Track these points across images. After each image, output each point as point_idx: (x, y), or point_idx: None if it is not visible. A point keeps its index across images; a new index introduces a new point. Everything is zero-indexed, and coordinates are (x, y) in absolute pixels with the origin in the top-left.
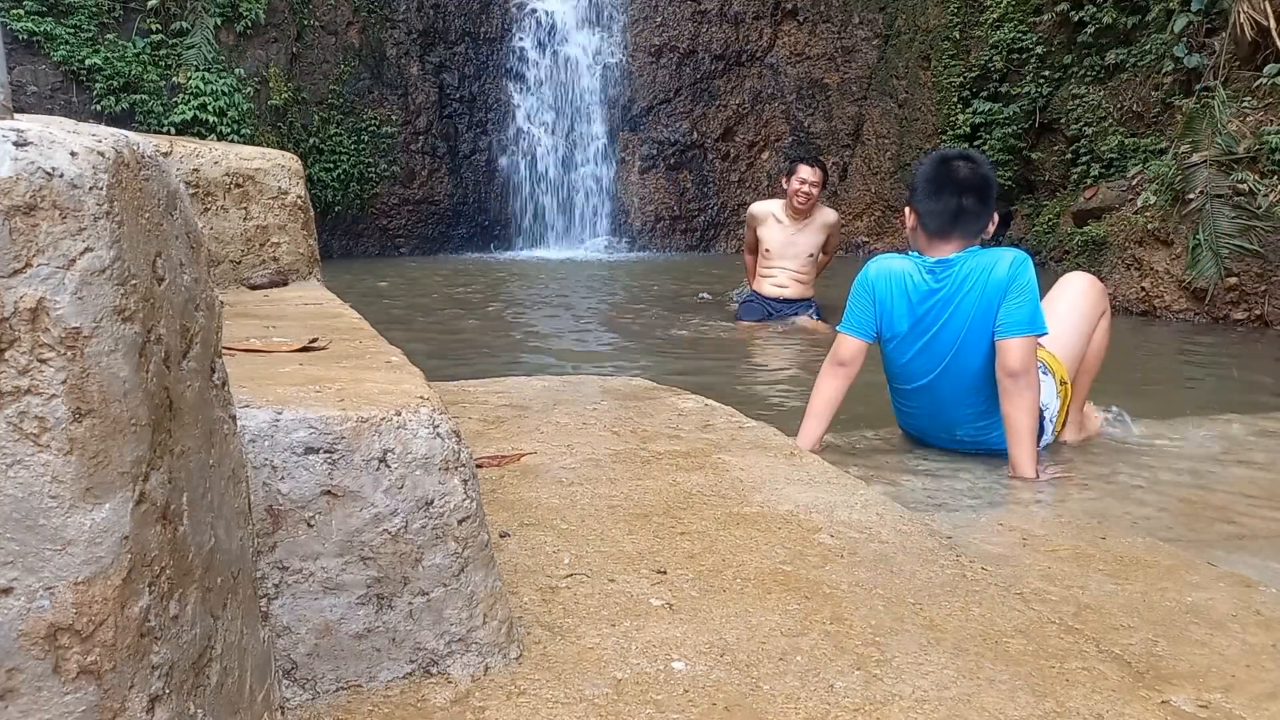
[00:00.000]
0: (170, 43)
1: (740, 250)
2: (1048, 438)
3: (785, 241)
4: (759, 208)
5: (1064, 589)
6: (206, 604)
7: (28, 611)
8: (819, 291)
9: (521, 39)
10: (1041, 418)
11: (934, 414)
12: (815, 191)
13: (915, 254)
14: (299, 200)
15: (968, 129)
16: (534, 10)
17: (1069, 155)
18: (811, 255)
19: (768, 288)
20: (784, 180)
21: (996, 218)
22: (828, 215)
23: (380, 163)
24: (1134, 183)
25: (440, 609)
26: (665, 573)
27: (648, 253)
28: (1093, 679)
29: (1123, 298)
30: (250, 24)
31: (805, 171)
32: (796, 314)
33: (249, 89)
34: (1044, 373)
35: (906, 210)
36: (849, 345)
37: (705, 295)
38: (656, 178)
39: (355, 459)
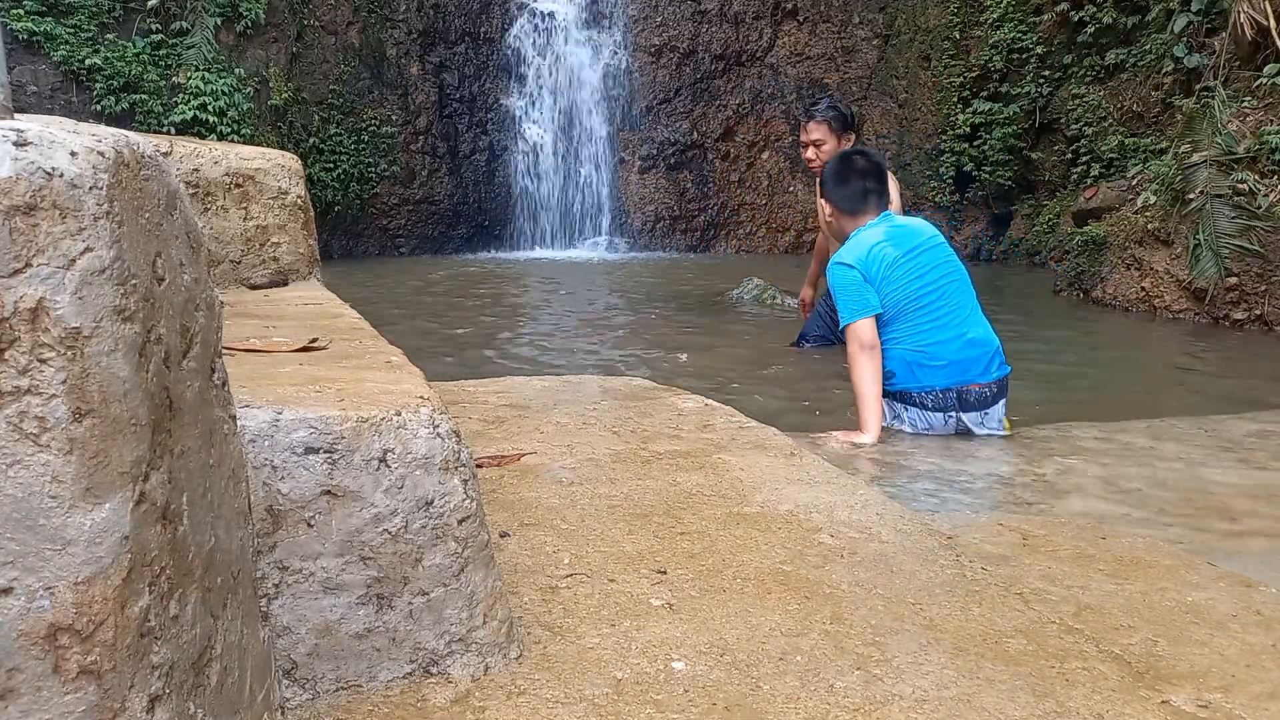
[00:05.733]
0: (170, 43)
1: (740, 251)
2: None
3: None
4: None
5: (1064, 589)
6: (206, 604)
7: (28, 611)
8: None
9: (521, 39)
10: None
11: (964, 324)
12: (822, 150)
13: (859, 229)
14: (299, 200)
15: (968, 129)
16: (534, 10)
17: (1069, 155)
18: None
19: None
20: None
21: (895, 196)
22: None
23: (380, 163)
24: (1134, 183)
25: (440, 609)
26: (665, 573)
27: (648, 253)
28: (1093, 679)
29: (1123, 298)
30: (250, 24)
31: (804, 131)
32: None
33: (249, 89)
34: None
35: (822, 202)
36: (868, 325)
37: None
38: (656, 178)
39: (355, 459)
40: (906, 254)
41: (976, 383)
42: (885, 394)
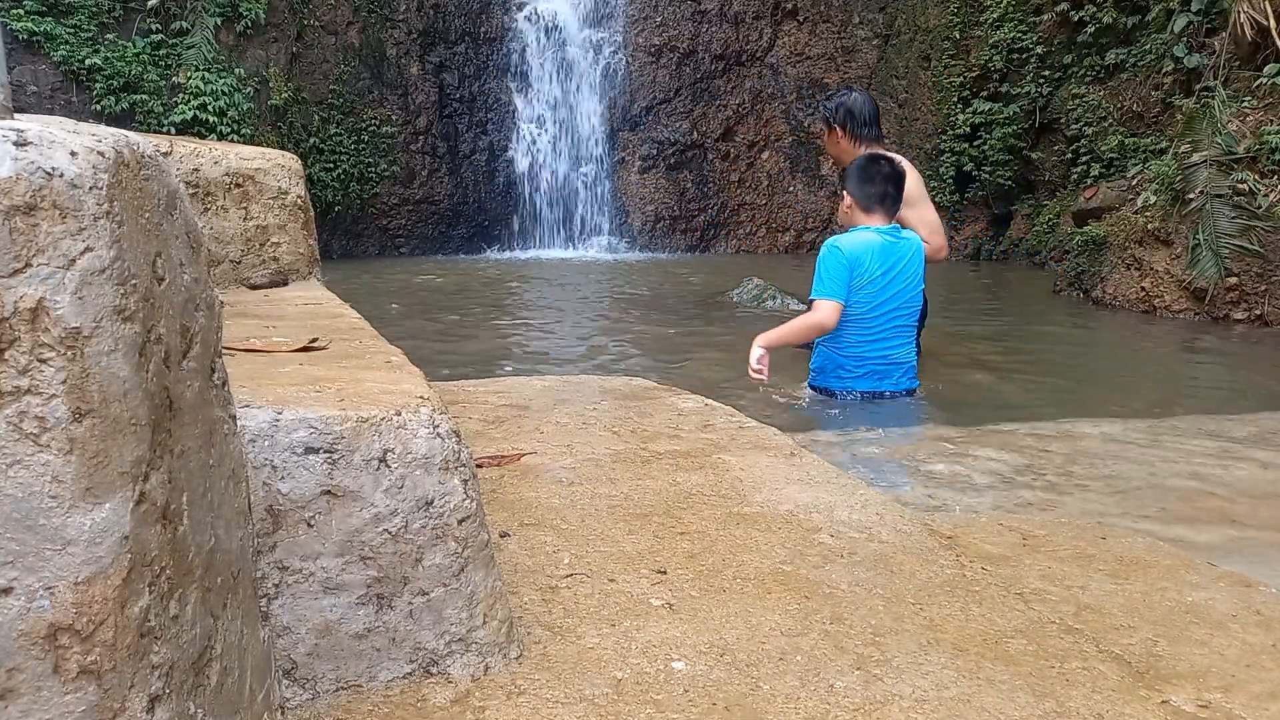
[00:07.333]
0: (170, 43)
1: (740, 251)
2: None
3: None
4: None
5: (1064, 589)
6: (206, 604)
7: (28, 611)
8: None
9: (521, 39)
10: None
11: (892, 345)
12: (834, 148)
13: (865, 227)
14: (299, 200)
15: (968, 129)
16: (534, 10)
17: (1069, 155)
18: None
19: None
20: None
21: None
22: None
23: (380, 163)
24: (1134, 183)
25: (440, 609)
26: (665, 572)
27: (648, 253)
28: (1093, 679)
29: (1123, 298)
30: (250, 24)
31: (841, 139)
32: None
33: (249, 89)
34: None
35: (843, 194)
36: (833, 309)
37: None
38: (656, 178)
39: (355, 459)
40: (884, 274)
41: (890, 391)
42: (810, 385)
